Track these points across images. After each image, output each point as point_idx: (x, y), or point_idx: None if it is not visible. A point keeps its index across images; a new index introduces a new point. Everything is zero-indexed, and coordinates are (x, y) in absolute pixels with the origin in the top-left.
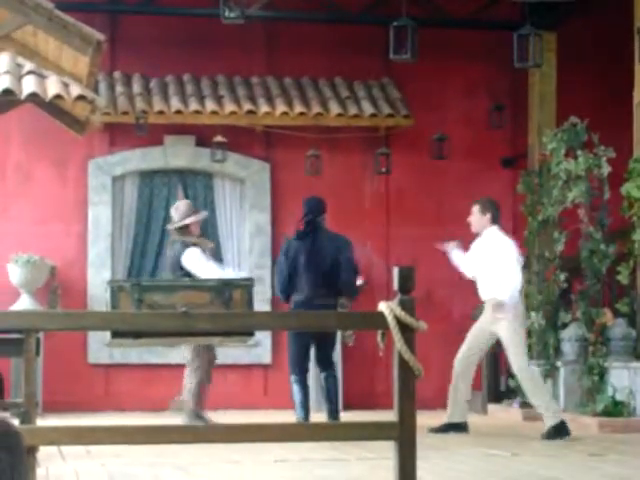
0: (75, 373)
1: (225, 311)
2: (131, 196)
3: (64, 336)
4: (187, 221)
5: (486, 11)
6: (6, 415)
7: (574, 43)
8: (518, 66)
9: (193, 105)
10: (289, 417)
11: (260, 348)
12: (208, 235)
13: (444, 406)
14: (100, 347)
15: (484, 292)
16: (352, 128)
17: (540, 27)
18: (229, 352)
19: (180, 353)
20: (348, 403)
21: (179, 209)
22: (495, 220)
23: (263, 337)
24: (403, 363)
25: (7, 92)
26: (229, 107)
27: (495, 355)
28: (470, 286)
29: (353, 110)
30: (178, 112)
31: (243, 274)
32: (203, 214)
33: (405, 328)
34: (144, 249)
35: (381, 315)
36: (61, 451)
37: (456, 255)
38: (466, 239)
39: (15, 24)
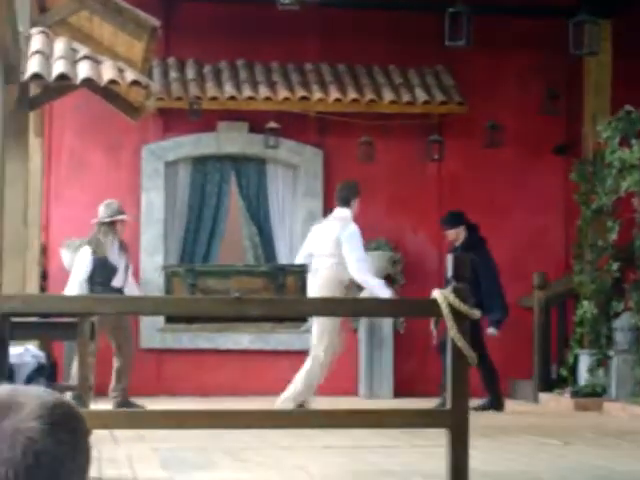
0: None
1: (278, 297)
2: (184, 182)
3: None
4: (118, 217)
5: None
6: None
7: (629, 31)
8: (574, 54)
9: (246, 91)
10: (338, 403)
11: (311, 334)
12: None
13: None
14: (152, 332)
15: None
16: (405, 115)
17: (595, 14)
18: (280, 338)
19: (230, 338)
20: (398, 390)
21: (111, 206)
22: (339, 202)
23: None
24: (456, 350)
25: (62, 77)
26: (282, 93)
27: (546, 344)
28: (519, 274)
29: (406, 97)
30: (231, 98)
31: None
32: (129, 216)
33: (459, 316)
34: (196, 235)
35: (435, 303)
36: (113, 435)
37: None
38: (517, 228)
39: (71, 9)
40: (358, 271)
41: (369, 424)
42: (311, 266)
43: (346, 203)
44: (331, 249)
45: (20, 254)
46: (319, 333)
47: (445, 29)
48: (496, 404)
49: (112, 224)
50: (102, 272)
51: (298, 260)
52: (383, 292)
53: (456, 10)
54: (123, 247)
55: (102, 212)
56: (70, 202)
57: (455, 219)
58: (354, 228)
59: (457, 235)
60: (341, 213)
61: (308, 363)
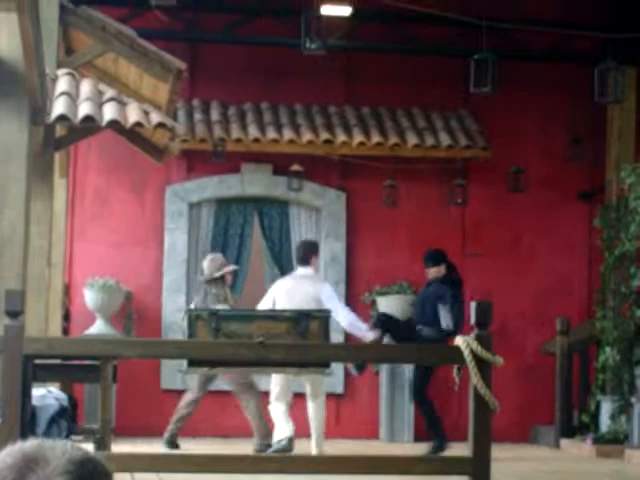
0: (148, 398)
1: (301, 342)
2: (207, 223)
3: (138, 361)
4: (225, 270)
5: (565, 44)
6: (88, 448)
7: None
8: (598, 101)
9: (271, 133)
10: (361, 448)
11: (333, 378)
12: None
13: (516, 439)
14: (173, 373)
15: None
16: (429, 159)
17: (619, 62)
18: (302, 381)
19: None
20: (419, 434)
21: (217, 260)
22: (299, 261)
23: (335, 366)
24: (479, 398)
25: (88, 119)
26: (306, 136)
27: (568, 389)
28: (542, 318)
29: (430, 141)
30: (256, 140)
31: None
32: (234, 266)
33: (482, 363)
34: None
35: (458, 349)
36: (134, 478)
37: None
38: (540, 273)
39: (97, 51)
40: (349, 321)
41: (391, 470)
42: None
43: (306, 262)
44: (311, 308)
45: (43, 294)
46: (313, 378)
47: (470, 76)
48: (443, 446)
49: (222, 277)
50: None
51: None
52: (370, 335)
53: (481, 57)
54: (229, 298)
55: (210, 268)
56: (94, 242)
57: (438, 257)
58: (330, 287)
59: (438, 273)
60: (305, 271)
61: (313, 409)
